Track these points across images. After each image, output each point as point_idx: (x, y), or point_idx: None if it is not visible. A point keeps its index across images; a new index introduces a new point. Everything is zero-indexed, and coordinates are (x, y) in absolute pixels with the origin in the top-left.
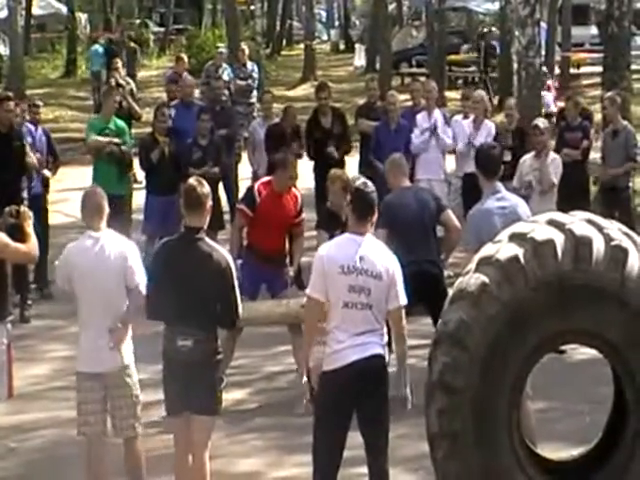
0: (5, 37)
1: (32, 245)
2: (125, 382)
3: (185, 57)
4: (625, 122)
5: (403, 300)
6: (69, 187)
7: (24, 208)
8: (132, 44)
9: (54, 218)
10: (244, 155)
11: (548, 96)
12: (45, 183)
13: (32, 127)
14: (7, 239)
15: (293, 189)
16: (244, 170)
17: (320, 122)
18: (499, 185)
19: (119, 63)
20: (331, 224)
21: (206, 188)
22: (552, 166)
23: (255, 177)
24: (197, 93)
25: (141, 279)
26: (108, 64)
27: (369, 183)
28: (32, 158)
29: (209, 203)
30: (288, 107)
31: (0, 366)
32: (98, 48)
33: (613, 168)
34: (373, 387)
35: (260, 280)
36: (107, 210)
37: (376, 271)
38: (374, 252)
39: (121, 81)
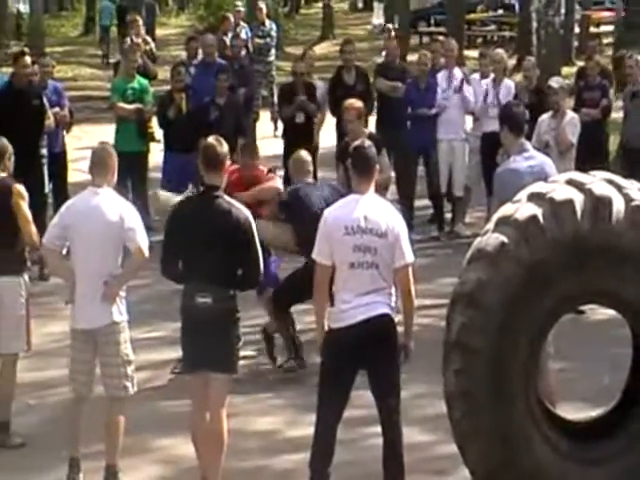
0: None
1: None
2: (115, 340)
3: (230, 16)
4: None
5: (410, 257)
6: (88, 145)
7: (17, 187)
8: (151, 1)
9: (73, 176)
10: (262, 114)
11: None
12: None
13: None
14: (24, 200)
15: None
16: (262, 129)
17: (343, 79)
18: (526, 143)
19: (140, 21)
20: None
21: (225, 147)
22: (569, 126)
23: None
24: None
25: (143, 240)
26: (120, 20)
27: (368, 142)
28: (50, 118)
29: (228, 162)
30: (295, 66)
31: (18, 320)
32: (108, 3)
33: (634, 129)
34: (380, 346)
35: None
36: (113, 168)
37: (381, 230)
38: (378, 211)
39: (140, 40)
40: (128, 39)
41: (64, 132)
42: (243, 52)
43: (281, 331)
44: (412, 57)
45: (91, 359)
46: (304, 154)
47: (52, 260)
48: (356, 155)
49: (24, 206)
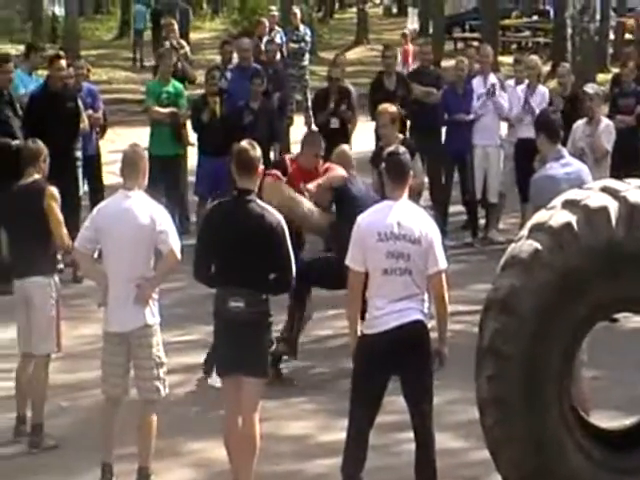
0: None
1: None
2: (148, 342)
3: (265, 20)
4: None
5: (443, 264)
6: (122, 148)
7: (51, 189)
8: (184, 6)
9: (107, 179)
10: (296, 118)
11: None
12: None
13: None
14: (56, 203)
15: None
16: (296, 133)
17: (384, 84)
18: (563, 150)
19: (175, 25)
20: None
21: (258, 151)
22: (605, 133)
23: None
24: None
25: (175, 242)
26: (155, 23)
27: (402, 148)
28: (85, 121)
29: (261, 166)
30: (330, 72)
31: (49, 320)
32: (141, 7)
33: None
34: (413, 352)
35: None
36: (144, 171)
37: (414, 236)
38: (411, 217)
39: (175, 44)
40: (167, 43)
41: (98, 135)
42: (277, 56)
43: (290, 311)
44: (446, 63)
45: (124, 362)
46: (347, 147)
47: (84, 263)
48: (390, 161)
49: (56, 209)
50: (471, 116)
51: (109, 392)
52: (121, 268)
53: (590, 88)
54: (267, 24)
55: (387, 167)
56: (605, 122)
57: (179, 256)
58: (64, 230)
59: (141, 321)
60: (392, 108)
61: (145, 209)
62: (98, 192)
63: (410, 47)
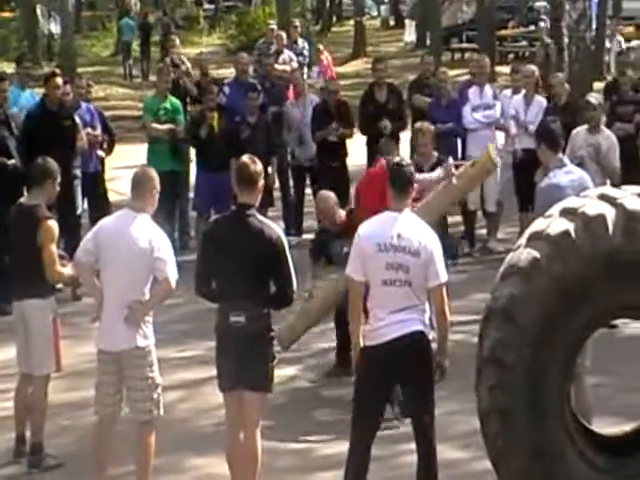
0: (56, 15)
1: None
2: (140, 364)
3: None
4: None
5: (444, 277)
6: (121, 165)
7: (48, 223)
8: (166, 20)
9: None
10: None
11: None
12: (101, 162)
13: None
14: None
15: None
16: None
17: (375, 97)
18: (565, 158)
19: (176, 41)
20: None
21: (259, 166)
22: (612, 151)
23: (293, 156)
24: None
25: (171, 271)
26: (143, 37)
27: (406, 159)
28: (83, 139)
29: (261, 181)
30: (327, 85)
31: (47, 340)
32: (129, 20)
33: None
34: (414, 363)
35: None
36: (151, 192)
37: (414, 248)
38: (412, 229)
39: (177, 59)
40: (167, 59)
41: (100, 153)
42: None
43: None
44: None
45: (115, 381)
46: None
47: (84, 274)
48: (395, 173)
49: (51, 246)
50: (449, 124)
51: (100, 412)
52: (115, 288)
53: (594, 98)
54: (284, 37)
55: (392, 179)
56: (606, 133)
57: (174, 285)
58: (58, 267)
59: (132, 343)
60: (431, 127)
61: (145, 233)
62: (100, 209)
63: (328, 58)
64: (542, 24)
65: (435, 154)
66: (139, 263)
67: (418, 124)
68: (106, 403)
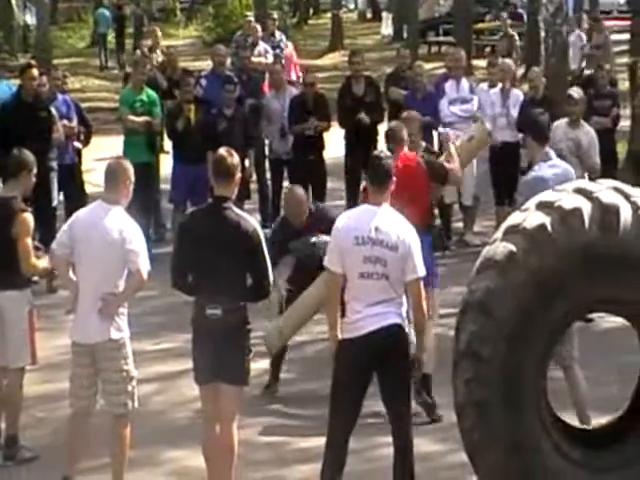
0: (32, 7)
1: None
2: (114, 356)
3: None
4: None
5: (421, 272)
6: (97, 157)
7: (23, 215)
8: (140, 12)
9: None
10: None
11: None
12: (77, 154)
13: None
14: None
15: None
16: None
17: (352, 89)
18: (550, 151)
19: (157, 32)
20: None
21: (236, 158)
22: (592, 147)
23: (270, 149)
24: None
25: (143, 263)
26: (118, 28)
27: (387, 152)
28: (59, 131)
29: (238, 174)
30: (306, 77)
31: (22, 333)
32: (104, 11)
33: None
34: (391, 355)
35: None
36: (125, 184)
37: (391, 242)
38: (390, 223)
39: (161, 51)
40: (138, 51)
41: (77, 144)
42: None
43: None
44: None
45: (88, 374)
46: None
47: (59, 267)
48: (373, 165)
49: (26, 239)
50: (426, 118)
51: (75, 405)
52: (89, 280)
53: (575, 92)
54: (259, 29)
55: (370, 172)
56: (586, 128)
57: (145, 277)
58: (32, 260)
59: (105, 335)
60: (418, 115)
61: (117, 225)
62: (76, 201)
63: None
64: (504, 15)
65: (423, 144)
66: (112, 255)
67: (405, 113)
68: (81, 395)
